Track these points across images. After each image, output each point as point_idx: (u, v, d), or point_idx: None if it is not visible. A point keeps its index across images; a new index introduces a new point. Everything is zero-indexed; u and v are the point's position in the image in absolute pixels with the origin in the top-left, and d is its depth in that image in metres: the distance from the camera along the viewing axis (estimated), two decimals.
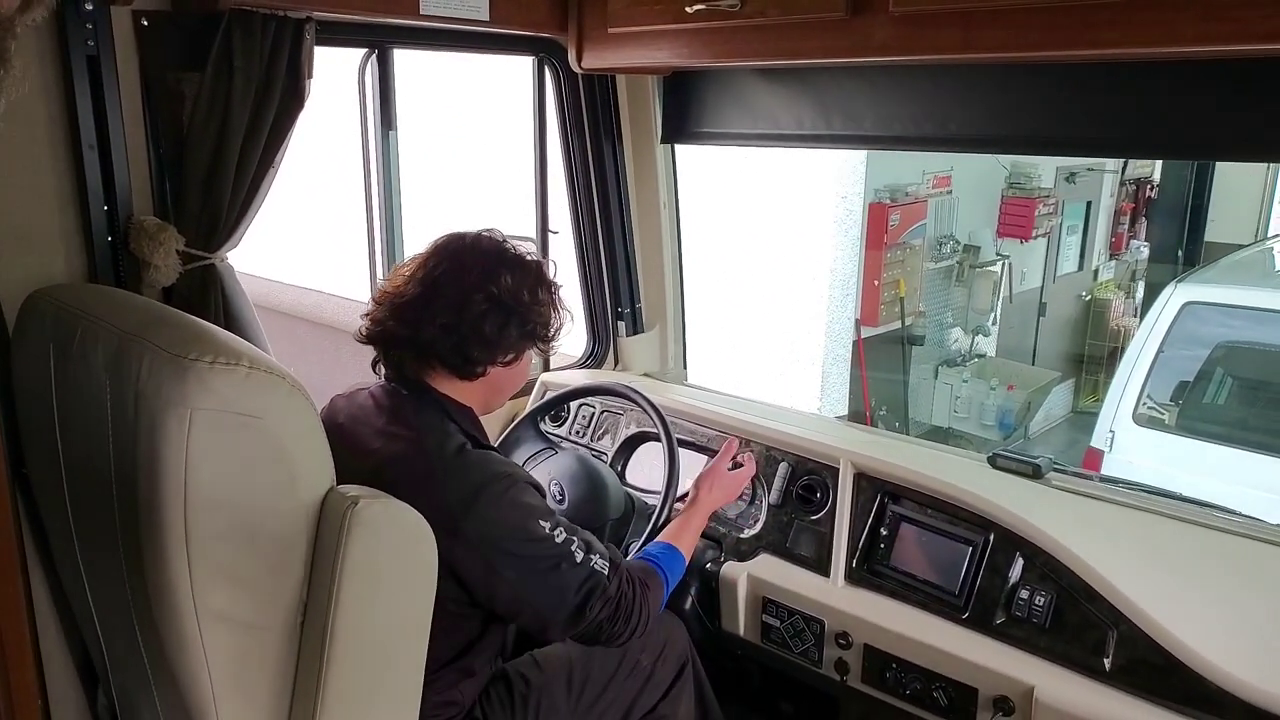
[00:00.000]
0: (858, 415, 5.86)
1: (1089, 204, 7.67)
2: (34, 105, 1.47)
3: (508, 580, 1.36)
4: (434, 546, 1.22)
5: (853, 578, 1.77)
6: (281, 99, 1.65)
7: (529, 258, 1.50)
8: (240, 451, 1.07)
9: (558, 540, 1.39)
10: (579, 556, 1.40)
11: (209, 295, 1.68)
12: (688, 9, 1.72)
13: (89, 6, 1.48)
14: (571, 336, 2.44)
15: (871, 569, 1.76)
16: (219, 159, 1.61)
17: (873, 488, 1.80)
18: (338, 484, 1.18)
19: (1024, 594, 1.57)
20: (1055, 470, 1.85)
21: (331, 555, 1.12)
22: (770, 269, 5.60)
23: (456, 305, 1.41)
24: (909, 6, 1.49)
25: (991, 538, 1.64)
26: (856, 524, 1.79)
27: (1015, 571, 1.60)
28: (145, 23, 1.56)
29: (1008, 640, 1.57)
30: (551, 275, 1.54)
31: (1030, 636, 1.55)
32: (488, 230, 1.51)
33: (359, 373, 1.59)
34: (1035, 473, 1.82)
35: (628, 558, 1.71)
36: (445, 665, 1.42)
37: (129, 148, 1.58)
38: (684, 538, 1.65)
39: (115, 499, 1.14)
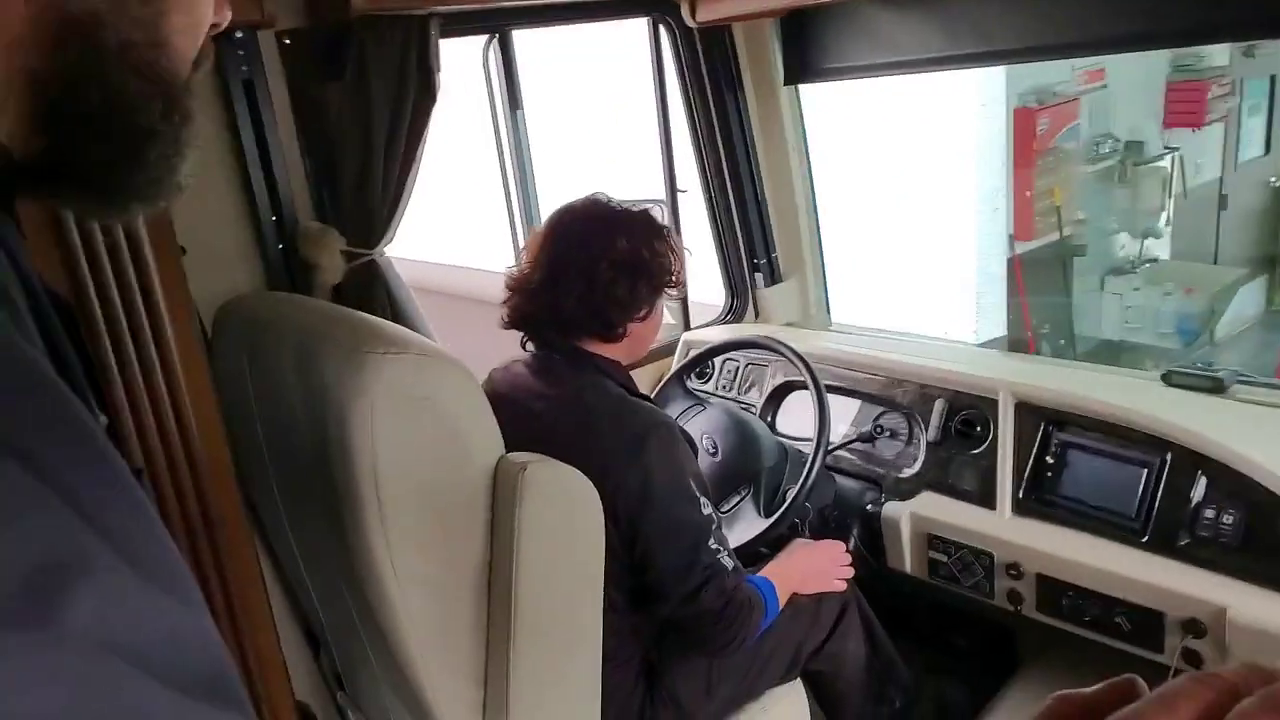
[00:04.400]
0: (1018, 337, 5.59)
1: (1274, 78, 6.87)
2: (204, 134, 1.62)
3: (647, 535, 1.40)
4: (599, 503, 1.29)
5: (1020, 509, 1.73)
6: (416, 95, 1.73)
7: (635, 211, 1.54)
8: (418, 430, 1.18)
9: (704, 512, 1.43)
10: (713, 542, 1.42)
11: (375, 288, 1.81)
12: None
13: (239, 35, 1.61)
14: (710, 292, 2.46)
15: (1040, 499, 1.71)
16: (367, 160, 1.72)
17: (1035, 417, 1.74)
18: (508, 451, 1.27)
19: (1209, 513, 1.50)
20: (1240, 382, 1.73)
21: (508, 517, 1.22)
22: (911, 193, 5.38)
23: (585, 277, 1.47)
24: None
25: (1169, 457, 1.56)
26: (1020, 455, 1.74)
27: (1198, 491, 1.52)
28: (288, 41, 1.67)
29: (1194, 562, 1.50)
30: (660, 220, 1.57)
31: (1218, 557, 1.48)
32: (592, 195, 1.56)
33: (512, 341, 1.68)
34: (1217, 387, 1.71)
35: (787, 504, 1.73)
36: (625, 609, 1.50)
37: (287, 160, 1.72)
38: (783, 591, 1.58)
39: (316, 484, 1.27)
